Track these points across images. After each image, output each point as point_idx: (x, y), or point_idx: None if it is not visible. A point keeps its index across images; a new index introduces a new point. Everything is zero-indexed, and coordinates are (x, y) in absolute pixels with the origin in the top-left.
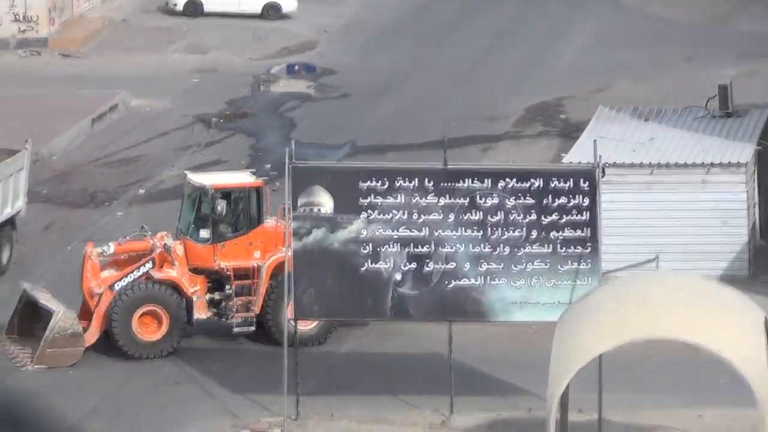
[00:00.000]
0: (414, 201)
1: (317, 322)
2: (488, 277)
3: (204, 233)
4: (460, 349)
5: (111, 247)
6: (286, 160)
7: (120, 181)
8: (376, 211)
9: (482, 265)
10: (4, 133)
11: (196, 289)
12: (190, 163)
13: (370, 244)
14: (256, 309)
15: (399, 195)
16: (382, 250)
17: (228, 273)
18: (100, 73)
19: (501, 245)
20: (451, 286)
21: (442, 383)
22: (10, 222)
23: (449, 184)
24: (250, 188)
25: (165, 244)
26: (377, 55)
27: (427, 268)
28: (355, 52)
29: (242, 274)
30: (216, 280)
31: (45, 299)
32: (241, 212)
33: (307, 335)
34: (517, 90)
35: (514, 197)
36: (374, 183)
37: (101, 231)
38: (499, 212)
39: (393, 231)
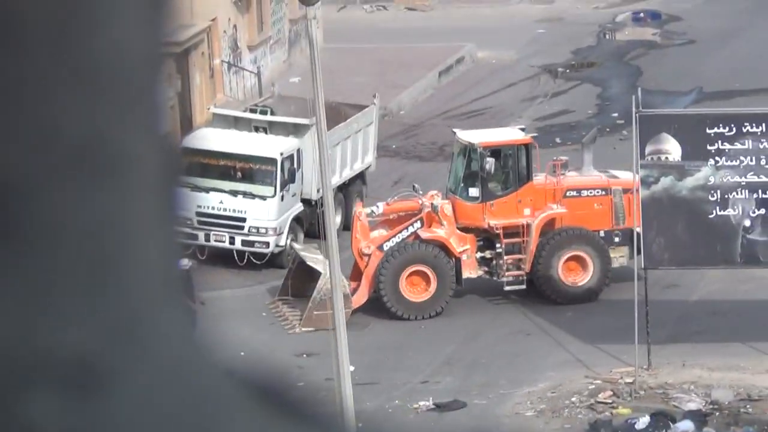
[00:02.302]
0: (762, 146)
1: (588, 279)
2: None
3: (473, 191)
4: None
5: (380, 207)
6: (633, 108)
7: None
8: (724, 157)
9: None
10: (353, 88)
11: (465, 248)
12: (537, 114)
13: (719, 191)
14: (527, 267)
15: (747, 140)
16: (731, 196)
17: (497, 231)
18: (445, 26)
19: None
20: None
21: None
22: (360, 177)
23: None
24: (518, 145)
25: (432, 203)
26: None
27: None
28: None
29: (512, 232)
30: (486, 239)
31: (312, 260)
32: (510, 169)
33: (577, 291)
34: None
35: None
36: (722, 129)
37: None
38: None
39: (741, 177)
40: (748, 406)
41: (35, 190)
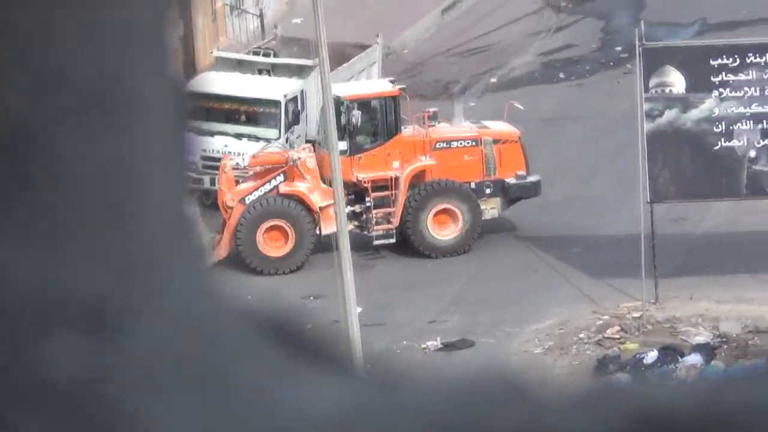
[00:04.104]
0: (766, 77)
1: (459, 232)
2: None
3: (341, 145)
4: None
5: (246, 160)
6: (636, 41)
7: (472, 70)
8: (728, 88)
9: None
10: (354, 28)
11: (329, 202)
12: (541, 49)
13: (723, 123)
14: (396, 221)
15: (751, 71)
16: (736, 127)
17: (366, 185)
18: None
19: None
20: None
21: None
22: None
23: None
24: (386, 97)
25: (292, 157)
26: None
27: None
28: None
29: (381, 185)
30: (356, 193)
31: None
32: (378, 122)
33: (447, 244)
34: None
35: None
36: (726, 60)
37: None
38: None
39: (746, 108)
40: (756, 339)
41: (45, 134)
